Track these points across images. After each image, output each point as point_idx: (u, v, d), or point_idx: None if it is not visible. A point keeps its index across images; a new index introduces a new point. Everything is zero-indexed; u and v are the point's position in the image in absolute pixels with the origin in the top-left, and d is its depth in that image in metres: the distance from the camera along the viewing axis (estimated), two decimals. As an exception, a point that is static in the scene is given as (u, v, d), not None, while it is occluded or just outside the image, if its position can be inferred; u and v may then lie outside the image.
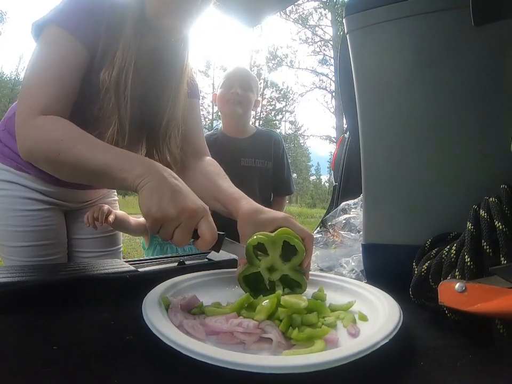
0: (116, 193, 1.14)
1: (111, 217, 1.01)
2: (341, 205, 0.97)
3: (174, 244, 0.51)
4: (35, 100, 0.61)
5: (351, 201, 0.96)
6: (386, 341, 0.34)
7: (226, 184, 0.74)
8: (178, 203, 0.49)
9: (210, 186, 0.75)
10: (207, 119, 18.44)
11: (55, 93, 0.62)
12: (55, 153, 0.57)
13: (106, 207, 1.02)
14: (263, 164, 1.49)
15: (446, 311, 0.41)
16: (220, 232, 0.53)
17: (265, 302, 0.42)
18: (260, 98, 1.62)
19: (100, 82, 0.67)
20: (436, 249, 0.50)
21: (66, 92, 0.65)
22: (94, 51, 0.68)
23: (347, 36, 0.61)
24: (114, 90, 0.68)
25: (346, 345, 0.37)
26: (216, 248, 0.53)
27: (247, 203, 0.65)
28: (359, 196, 0.88)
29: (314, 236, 0.94)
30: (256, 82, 1.55)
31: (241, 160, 1.45)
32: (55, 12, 0.66)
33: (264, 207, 0.64)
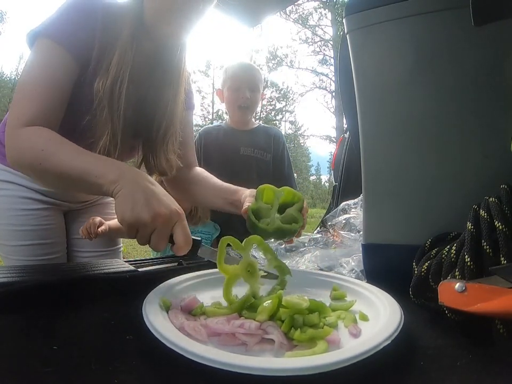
0: None
1: (101, 228, 1.03)
2: (341, 205, 0.97)
3: (152, 249, 0.51)
4: (22, 112, 0.63)
5: (351, 201, 0.96)
6: (389, 341, 0.34)
7: (225, 184, 0.82)
8: (151, 208, 0.49)
9: (212, 188, 0.83)
10: (207, 119, 18.43)
11: (41, 107, 0.63)
12: (37, 163, 0.59)
13: (98, 219, 1.04)
14: (261, 155, 1.53)
15: (446, 311, 0.41)
16: (196, 238, 0.54)
17: (267, 303, 0.42)
18: (263, 92, 1.65)
19: (94, 92, 0.67)
20: (435, 249, 0.50)
21: (54, 105, 0.65)
22: (86, 62, 0.68)
23: (347, 36, 0.61)
24: (108, 99, 0.68)
25: (349, 346, 0.37)
26: (191, 253, 0.54)
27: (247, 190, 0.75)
28: (359, 196, 0.88)
29: (314, 236, 0.94)
30: (261, 78, 1.56)
31: (241, 149, 1.50)
32: (48, 23, 0.66)
33: None
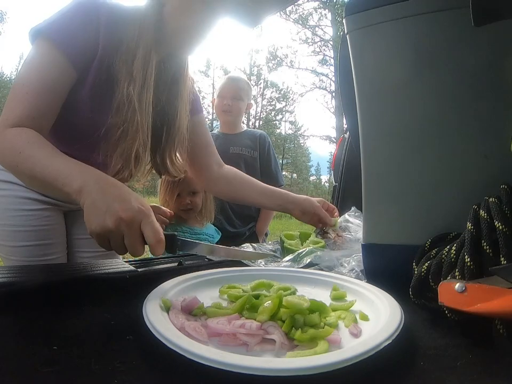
0: None
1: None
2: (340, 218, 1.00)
3: (132, 255, 0.50)
4: (11, 113, 0.63)
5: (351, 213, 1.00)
6: (389, 341, 0.34)
7: (269, 187, 0.97)
8: (113, 214, 0.49)
9: (264, 190, 0.95)
10: (207, 119, 18.44)
11: (30, 109, 0.64)
12: (14, 164, 0.60)
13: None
14: (249, 152, 1.74)
15: (446, 311, 0.41)
16: (169, 233, 0.52)
17: (268, 303, 0.42)
18: (251, 102, 1.92)
19: (124, 95, 0.68)
20: (436, 249, 0.50)
21: (44, 108, 0.65)
22: (87, 65, 0.68)
23: (347, 36, 0.61)
24: (138, 103, 0.69)
25: (350, 346, 0.37)
26: (169, 249, 0.52)
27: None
28: (359, 197, 0.89)
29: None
30: (247, 90, 1.82)
31: (230, 149, 1.72)
32: (49, 23, 0.66)
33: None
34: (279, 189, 0.99)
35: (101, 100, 0.70)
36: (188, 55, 0.77)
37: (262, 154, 1.77)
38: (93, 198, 0.51)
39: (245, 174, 1.03)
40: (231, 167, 1.03)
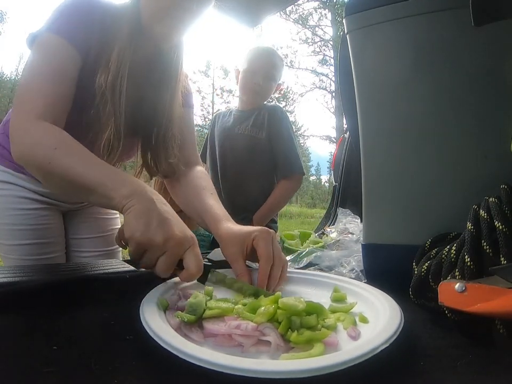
0: None
1: None
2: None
3: (156, 273, 0.49)
4: (32, 106, 0.61)
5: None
6: (387, 345, 0.34)
7: (211, 202, 0.74)
8: (165, 230, 0.48)
9: (196, 203, 0.76)
10: (207, 119, 18.43)
11: (52, 99, 0.63)
12: (46, 161, 0.56)
13: None
14: (256, 133, 1.47)
15: (446, 311, 0.41)
16: (207, 263, 0.52)
17: (265, 308, 0.42)
18: (281, 82, 1.59)
19: (96, 86, 0.68)
20: (436, 249, 0.50)
21: (63, 97, 0.65)
22: (86, 56, 0.68)
23: (347, 36, 0.61)
24: (111, 94, 0.68)
25: (346, 348, 0.36)
26: (202, 280, 0.51)
27: (225, 224, 0.65)
28: (359, 197, 0.89)
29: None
30: (280, 66, 1.51)
31: (236, 128, 1.49)
32: (48, 21, 0.67)
33: (241, 225, 0.64)
34: (211, 208, 0.71)
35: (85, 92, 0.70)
36: (170, 42, 0.75)
37: (271, 134, 1.45)
38: (145, 206, 0.50)
39: (203, 183, 0.80)
40: (202, 170, 0.86)
